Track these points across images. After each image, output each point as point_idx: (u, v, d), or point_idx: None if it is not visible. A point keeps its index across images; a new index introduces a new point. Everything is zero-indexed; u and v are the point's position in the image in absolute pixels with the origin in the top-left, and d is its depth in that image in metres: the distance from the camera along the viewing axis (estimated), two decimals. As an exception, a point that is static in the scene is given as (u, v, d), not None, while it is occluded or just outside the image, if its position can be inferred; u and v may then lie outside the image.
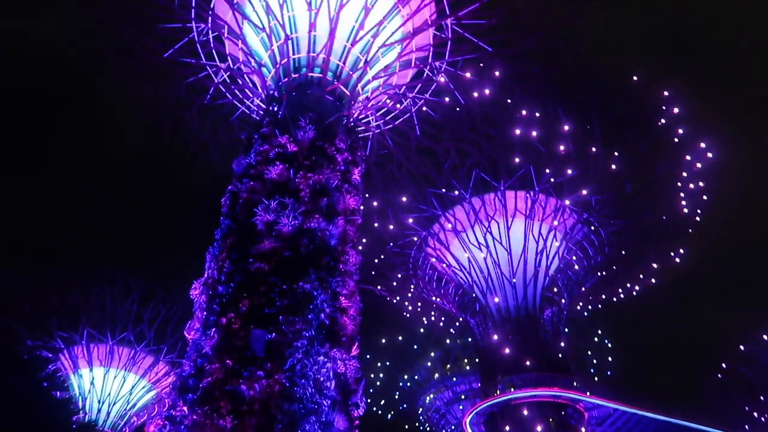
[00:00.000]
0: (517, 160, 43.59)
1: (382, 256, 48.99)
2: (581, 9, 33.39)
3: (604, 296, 54.67)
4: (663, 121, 42.57)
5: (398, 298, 54.63)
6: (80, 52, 35.58)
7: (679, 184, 45.14)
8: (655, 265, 51.20)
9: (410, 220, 47.22)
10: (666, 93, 41.93)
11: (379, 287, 51.22)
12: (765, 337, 55.76)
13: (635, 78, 41.11)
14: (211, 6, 32.89)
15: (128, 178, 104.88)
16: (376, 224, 46.15)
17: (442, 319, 59.07)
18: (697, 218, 47.44)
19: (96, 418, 51.27)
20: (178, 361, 51.00)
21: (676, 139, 43.32)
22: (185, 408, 21.70)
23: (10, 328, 47.04)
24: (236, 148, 34.88)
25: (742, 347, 57.20)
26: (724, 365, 58.72)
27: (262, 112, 32.53)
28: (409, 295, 53.97)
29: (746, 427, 54.16)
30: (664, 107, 42.25)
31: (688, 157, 43.99)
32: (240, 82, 35.78)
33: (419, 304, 55.62)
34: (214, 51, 34.80)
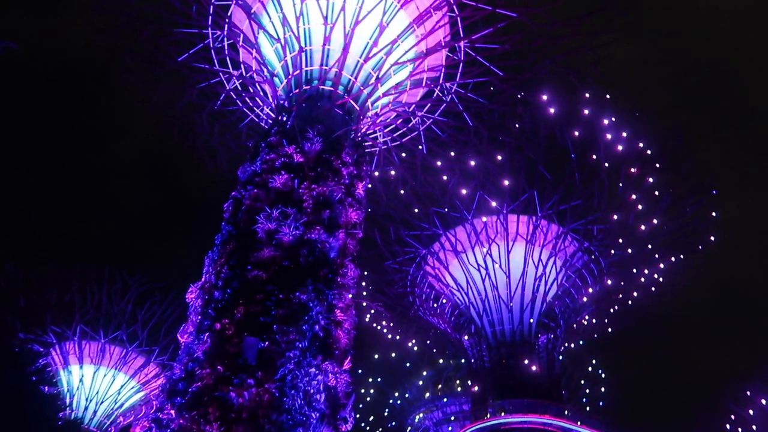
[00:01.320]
0: (521, 184, 43.78)
1: (381, 272, 48.95)
2: (593, 41, 33.73)
3: (600, 326, 54.46)
4: (669, 155, 42.77)
5: (394, 314, 54.51)
6: (96, 52, 35.98)
7: (683, 217, 45.20)
8: (653, 298, 51.06)
9: (411, 238, 47.27)
10: (674, 126, 42.18)
11: (375, 303, 51.13)
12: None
13: (642, 110, 41.41)
14: (228, 14, 33.30)
15: (135, 178, 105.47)
16: (377, 239, 46.21)
17: (435, 339, 58.83)
18: (700, 251, 47.38)
19: (83, 416, 50.97)
20: (169, 363, 50.80)
21: (682, 173, 43.49)
22: (173, 411, 21.60)
23: (4, 321, 47.04)
24: (243, 155, 35.14)
25: (742, 387, 56.72)
26: (717, 402, 58.22)
27: (270, 122, 32.78)
28: (405, 312, 53.83)
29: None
30: (671, 141, 42.48)
31: (691, 192, 44.14)
32: (251, 90, 36.09)
33: (414, 322, 55.44)
34: (228, 58, 35.17)
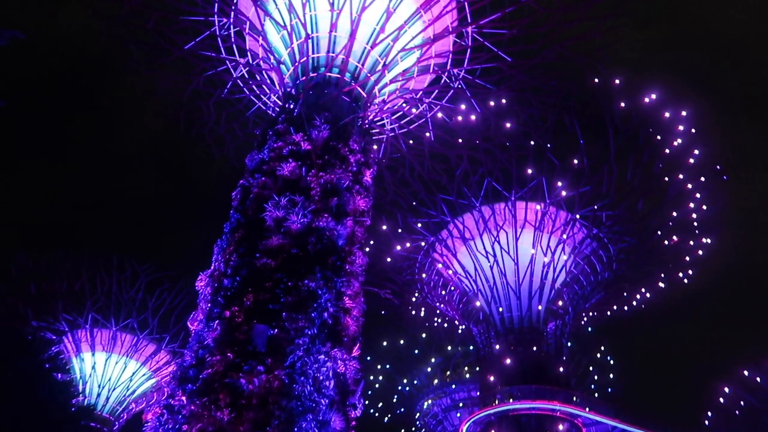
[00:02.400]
0: (529, 171, 43.58)
1: (389, 259, 49.02)
2: (600, 25, 33.34)
3: (609, 312, 54.38)
4: (679, 141, 42.31)
5: (402, 301, 54.66)
6: (102, 41, 35.92)
7: (691, 205, 44.85)
8: (662, 285, 50.88)
9: (419, 225, 47.25)
10: (684, 113, 41.66)
11: (383, 290, 51.24)
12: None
13: (653, 96, 40.91)
14: (235, 1, 33.14)
15: (144, 166, 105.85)
16: (384, 227, 46.24)
17: (445, 325, 58.99)
18: (708, 240, 47.08)
19: (95, 403, 51.65)
20: (179, 350, 51.35)
21: (691, 160, 43.07)
22: (184, 398, 21.83)
23: (16, 309, 47.55)
24: (250, 143, 35.19)
25: (746, 372, 56.59)
26: (726, 389, 58.12)
27: (278, 109, 32.71)
28: (413, 299, 53.97)
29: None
30: (681, 127, 42.02)
31: (702, 178, 43.72)
32: (258, 78, 36.00)
33: (422, 309, 55.58)
34: (234, 46, 35.05)
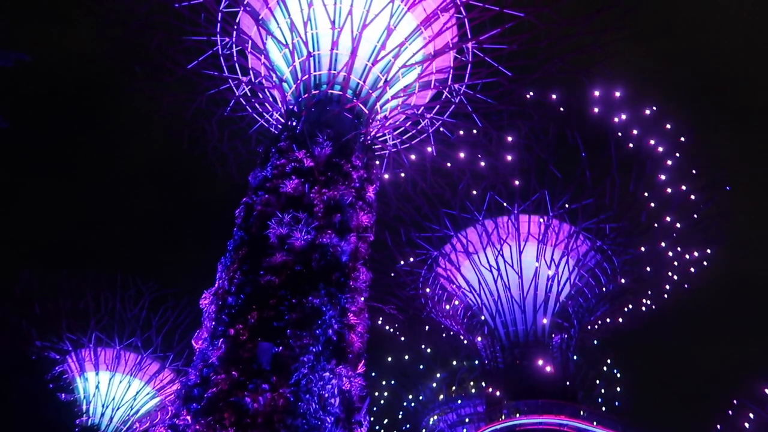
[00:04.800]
0: (532, 184, 43.63)
1: (393, 274, 48.94)
2: (601, 39, 33.58)
3: (615, 325, 54.06)
4: (678, 154, 42.45)
5: (406, 316, 54.48)
6: (106, 61, 36.32)
7: (695, 216, 44.82)
8: (666, 296, 50.65)
9: (422, 240, 47.22)
10: (685, 123, 41.85)
11: (387, 305, 51.09)
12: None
13: (654, 108, 41.12)
14: (237, 21, 33.50)
15: (148, 185, 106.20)
16: (388, 242, 46.23)
17: (450, 339, 58.68)
18: (710, 251, 46.97)
19: (99, 422, 51.32)
20: (183, 369, 51.11)
21: (693, 171, 43.15)
22: (188, 417, 21.73)
23: (20, 328, 47.48)
24: (253, 160, 35.34)
25: (761, 385, 56.07)
26: (735, 401, 57.56)
27: (280, 127, 32.91)
28: (418, 314, 53.76)
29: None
30: (682, 139, 42.16)
31: (703, 189, 43.76)
32: (260, 95, 36.26)
33: (427, 324, 55.35)
34: (236, 64, 35.38)
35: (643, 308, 52.00)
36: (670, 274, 48.32)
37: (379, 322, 53.96)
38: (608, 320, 52.66)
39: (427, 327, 55.90)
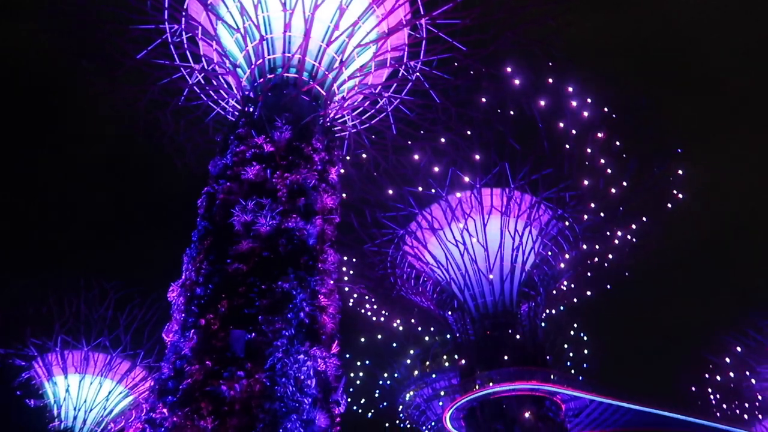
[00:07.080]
0: (492, 157, 44.22)
1: (361, 256, 49.15)
2: (554, 10, 33.95)
3: (579, 291, 55.58)
4: (634, 118, 43.56)
5: (377, 296, 54.90)
6: (52, 55, 35.07)
7: (651, 178, 46.24)
8: (630, 259, 52.26)
9: (388, 219, 47.48)
10: (637, 90, 42.92)
11: (357, 285, 51.38)
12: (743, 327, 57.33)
13: (606, 76, 42.02)
14: (185, 7, 32.70)
15: (103, 182, 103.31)
16: (354, 224, 46.32)
17: (419, 317, 59.44)
18: (670, 209, 48.48)
19: (72, 426, 50.46)
20: (155, 365, 50.46)
21: (646, 136, 44.38)
22: (165, 410, 21.61)
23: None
24: (211, 150, 34.78)
25: (718, 338, 58.71)
26: (698, 353, 60.23)
27: (237, 113, 32.46)
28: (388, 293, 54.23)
29: (718, 414, 55.57)
30: (640, 108, 43.29)
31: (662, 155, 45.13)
32: (215, 83, 35.63)
33: (397, 302, 55.90)
34: (188, 52, 34.58)
35: (606, 273, 53.55)
36: (629, 237, 49.86)
37: (350, 304, 54.27)
38: (573, 286, 54.13)
39: (398, 306, 56.47)
